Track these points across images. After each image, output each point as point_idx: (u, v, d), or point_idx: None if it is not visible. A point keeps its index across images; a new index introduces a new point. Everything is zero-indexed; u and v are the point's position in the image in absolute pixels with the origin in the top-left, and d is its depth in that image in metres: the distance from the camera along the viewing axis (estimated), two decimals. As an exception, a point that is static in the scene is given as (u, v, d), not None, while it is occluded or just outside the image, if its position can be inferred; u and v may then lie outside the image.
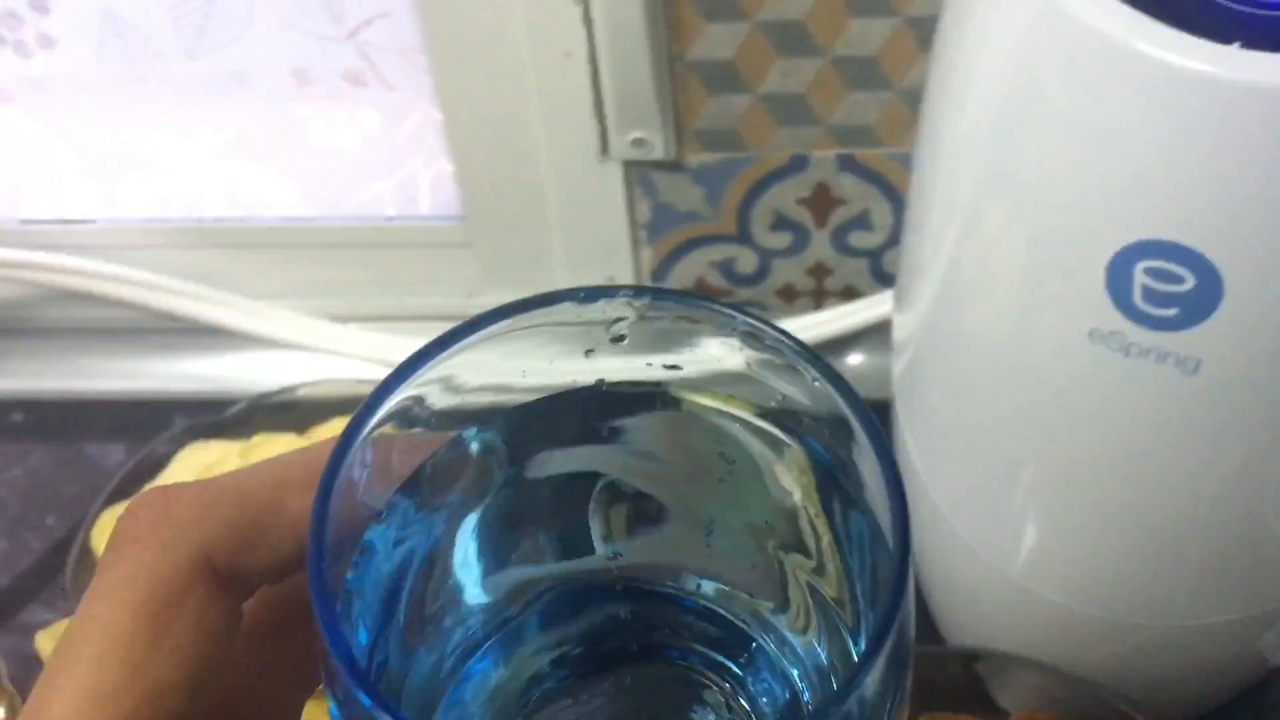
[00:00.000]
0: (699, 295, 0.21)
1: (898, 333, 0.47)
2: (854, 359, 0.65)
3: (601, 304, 0.20)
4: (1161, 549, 0.39)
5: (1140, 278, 0.32)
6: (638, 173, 0.60)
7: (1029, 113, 0.33)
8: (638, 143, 0.58)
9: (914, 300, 0.43)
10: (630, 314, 0.20)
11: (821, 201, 0.61)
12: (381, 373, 0.20)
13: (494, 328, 0.20)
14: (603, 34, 0.54)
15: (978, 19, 0.35)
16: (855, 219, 0.61)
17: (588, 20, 0.54)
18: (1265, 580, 0.41)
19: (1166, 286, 0.31)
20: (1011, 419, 0.39)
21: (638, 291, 0.20)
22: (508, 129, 0.59)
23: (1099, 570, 0.41)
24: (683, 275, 0.65)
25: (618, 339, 0.21)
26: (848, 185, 0.60)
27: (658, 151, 0.58)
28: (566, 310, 0.20)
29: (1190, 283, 0.31)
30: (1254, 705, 0.51)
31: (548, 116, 0.58)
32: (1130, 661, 0.45)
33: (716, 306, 0.20)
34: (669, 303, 0.21)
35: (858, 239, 0.62)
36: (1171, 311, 0.32)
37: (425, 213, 0.65)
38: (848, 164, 0.59)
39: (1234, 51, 0.28)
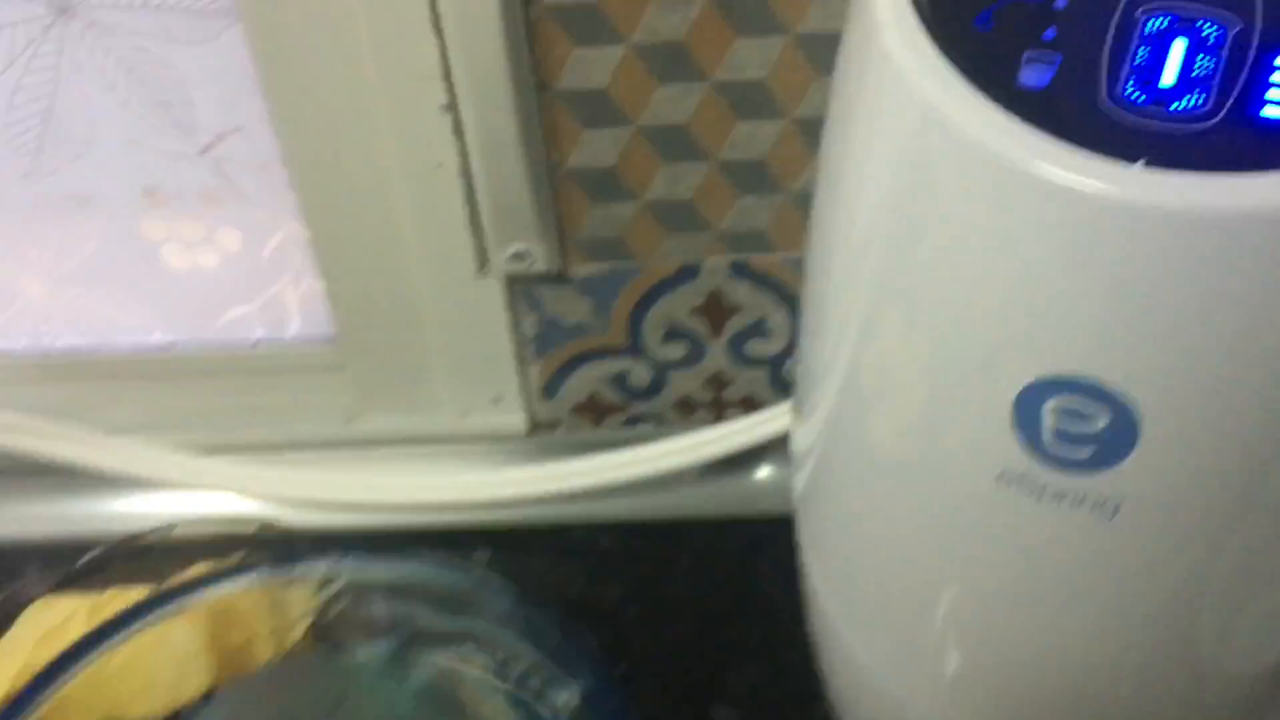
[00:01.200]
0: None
1: (797, 445, 0.43)
2: (762, 472, 0.61)
3: None
4: (1078, 695, 0.35)
5: (1049, 417, 0.28)
6: (521, 286, 0.57)
7: (919, 230, 0.30)
8: (518, 255, 0.54)
9: (812, 411, 0.39)
10: None
11: (715, 310, 0.58)
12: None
13: None
14: (475, 144, 0.51)
15: (861, 129, 0.32)
16: (751, 327, 0.58)
17: (459, 130, 0.51)
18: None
19: (1078, 426, 0.28)
20: (916, 553, 0.36)
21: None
22: (379, 244, 0.55)
23: (1014, 714, 0.38)
24: (574, 391, 0.61)
25: None
26: (742, 292, 0.57)
27: (540, 264, 0.55)
28: None
29: (1103, 421, 0.28)
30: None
31: (421, 231, 0.54)
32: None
33: None
34: None
35: (755, 347, 0.59)
36: (1085, 452, 0.29)
37: (295, 335, 0.60)
38: (741, 270, 0.56)
39: (1136, 171, 0.25)
